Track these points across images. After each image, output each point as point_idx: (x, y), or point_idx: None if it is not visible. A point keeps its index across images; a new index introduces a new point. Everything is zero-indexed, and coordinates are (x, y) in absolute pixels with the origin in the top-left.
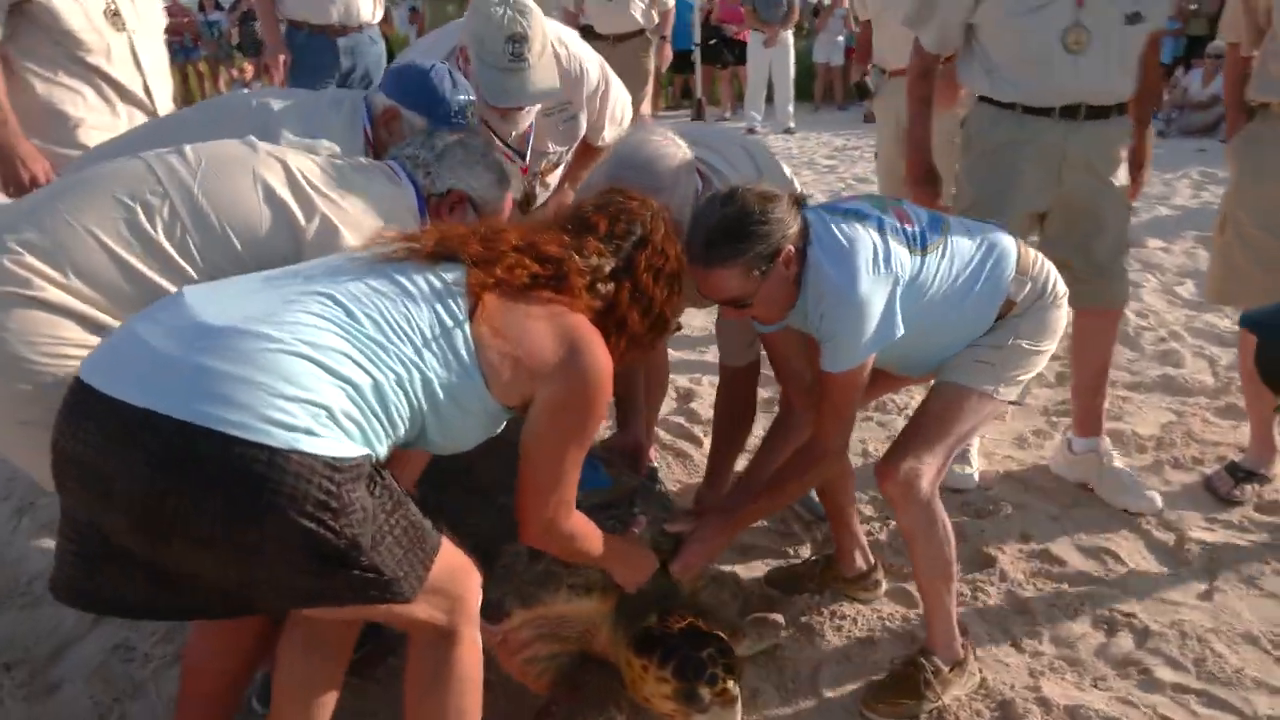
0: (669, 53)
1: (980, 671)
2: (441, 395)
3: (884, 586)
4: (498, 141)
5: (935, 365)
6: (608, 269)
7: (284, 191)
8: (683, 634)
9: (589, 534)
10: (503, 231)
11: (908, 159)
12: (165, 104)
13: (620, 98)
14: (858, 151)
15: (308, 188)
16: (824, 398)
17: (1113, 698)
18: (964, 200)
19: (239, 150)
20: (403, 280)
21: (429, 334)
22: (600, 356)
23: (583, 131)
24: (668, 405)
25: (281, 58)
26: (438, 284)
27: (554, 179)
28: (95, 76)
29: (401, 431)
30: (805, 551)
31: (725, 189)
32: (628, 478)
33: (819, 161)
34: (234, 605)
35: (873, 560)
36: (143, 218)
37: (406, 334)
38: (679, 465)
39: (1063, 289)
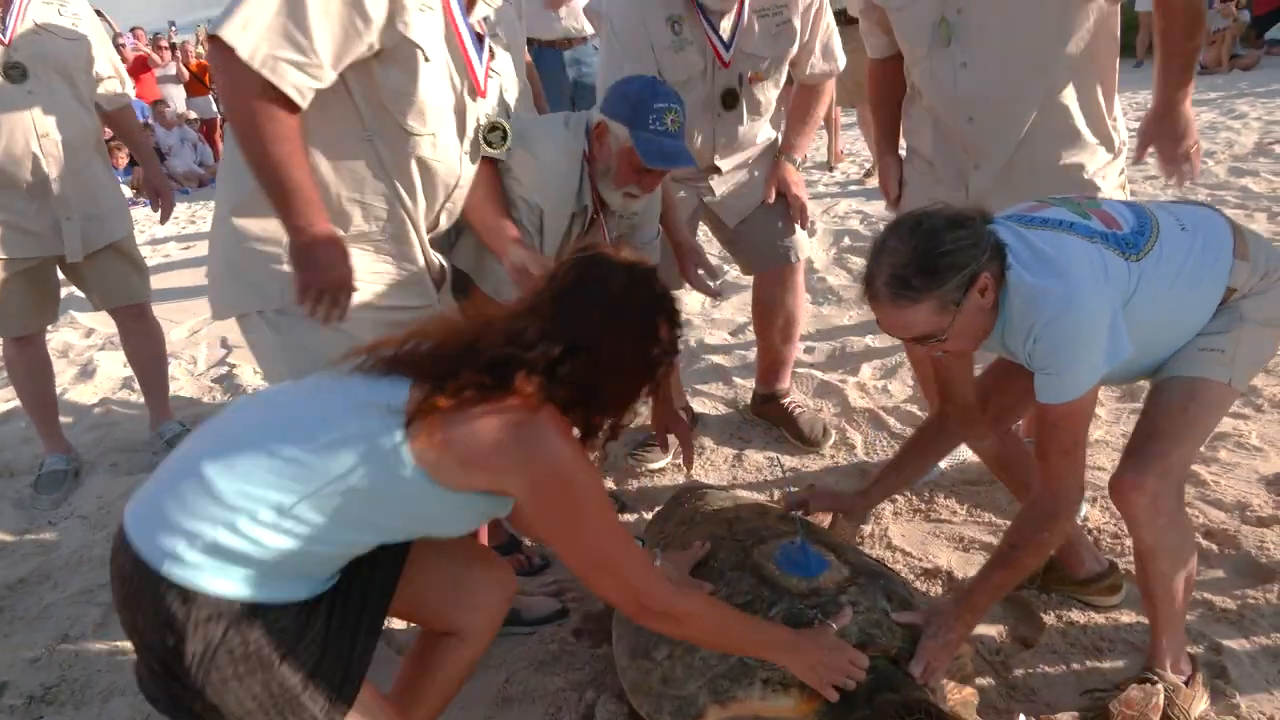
0: None
1: (1236, 695)
2: (392, 513)
3: (1124, 591)
4: (705, 26)
5: (1149, 371)
6: (557, 351)
7: None
8: None
9: (708, 616)
10: (462, 334)
11: None
12: None
13: (833, 27)
14: None
15: None
16: (1049, 438)
17: None
18: None
19: None
20: (350, 397)
21: (361, 454)
22: (550, 441)
23: (794, 45)
24: None
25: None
26: (382, 401)
27: (765, 99)
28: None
29: (325, 566)
30: None
31: (910, 215)
32: (847, 561)
33: None
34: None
35: (1106, 562)
36: None
37: (337, 454)
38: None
39: None
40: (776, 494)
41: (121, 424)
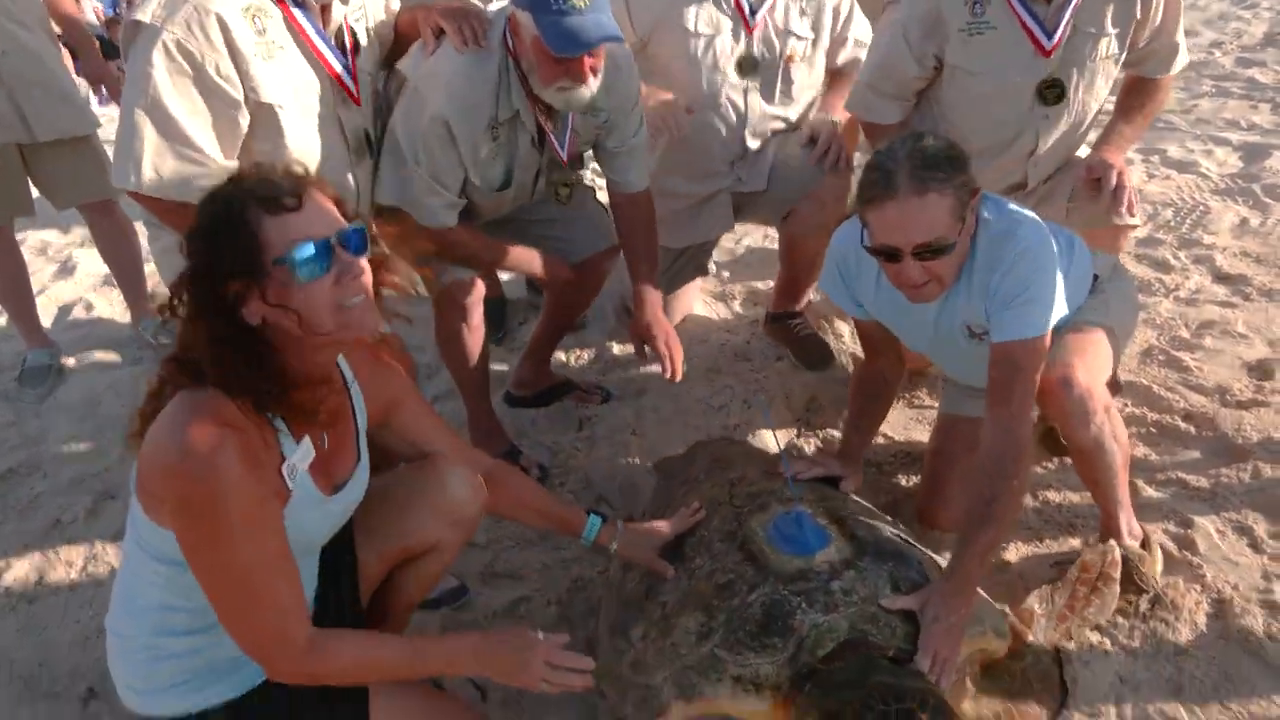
0: None
1: (1204, 567)
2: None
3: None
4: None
5: None
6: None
7: None
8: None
9: (357, 664)
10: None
11: None
12: None
13: (860, 12)
14: None
15: None
16: (1011, 381)
17: None
18: None
19: None
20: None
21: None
22: (166, 435)
23: (827, 25)
24: None
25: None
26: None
27: (804, 80)
28: None
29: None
30: None
31: (908, 133)
32: (854, 537)
33: None
34: None
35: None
36: None
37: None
38: None
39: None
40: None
41: (103, 320)
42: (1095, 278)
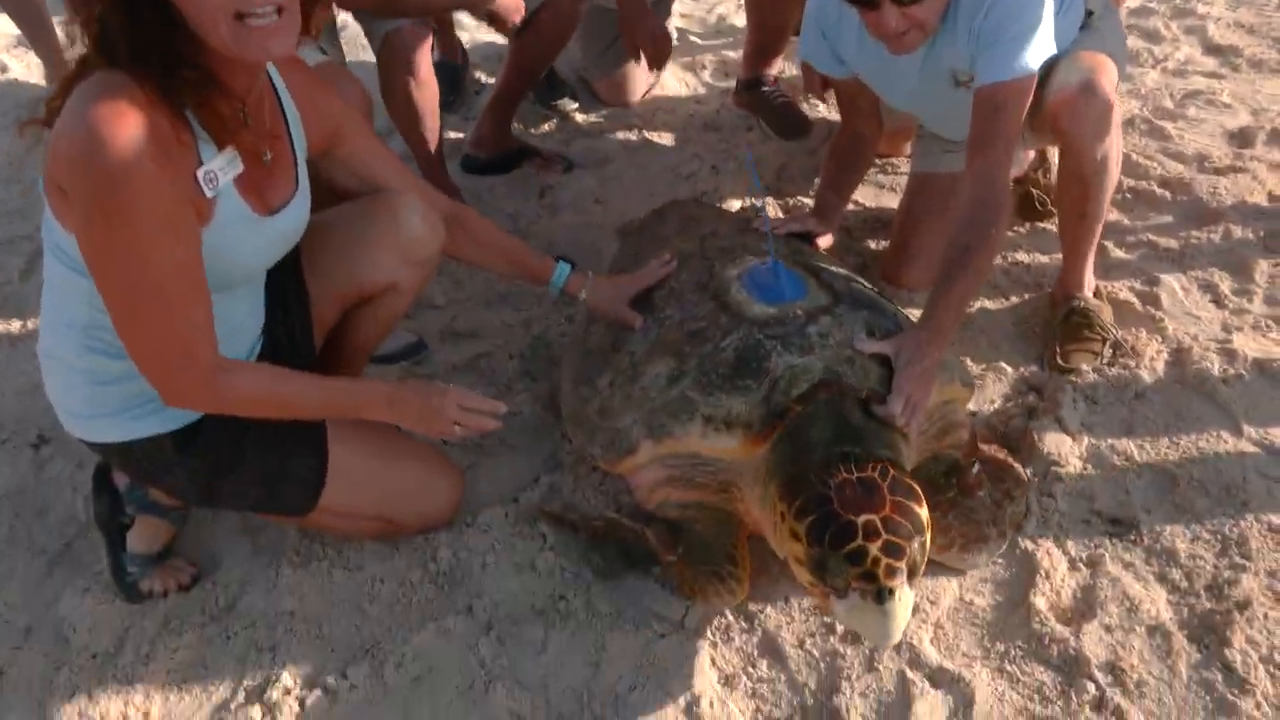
0: None
1: (1165, 320)
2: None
3: None
4: None
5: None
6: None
7: None
8: (856, 484)
9: (260, 391)
10: None
11: None
12: None
13: None
14: None
15: None
16: (993, 124)
17: None
18: None
19: None
20: None
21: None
22: (70, 115)
23: None
24: None
25: None
26: None
27: None
28: None
29: None
30: None
31: None
32: (830, 287)
33: None
34: None
35: None
36: None
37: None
38: None
39: None
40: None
41: (19, 82)
42: (1089, 14)
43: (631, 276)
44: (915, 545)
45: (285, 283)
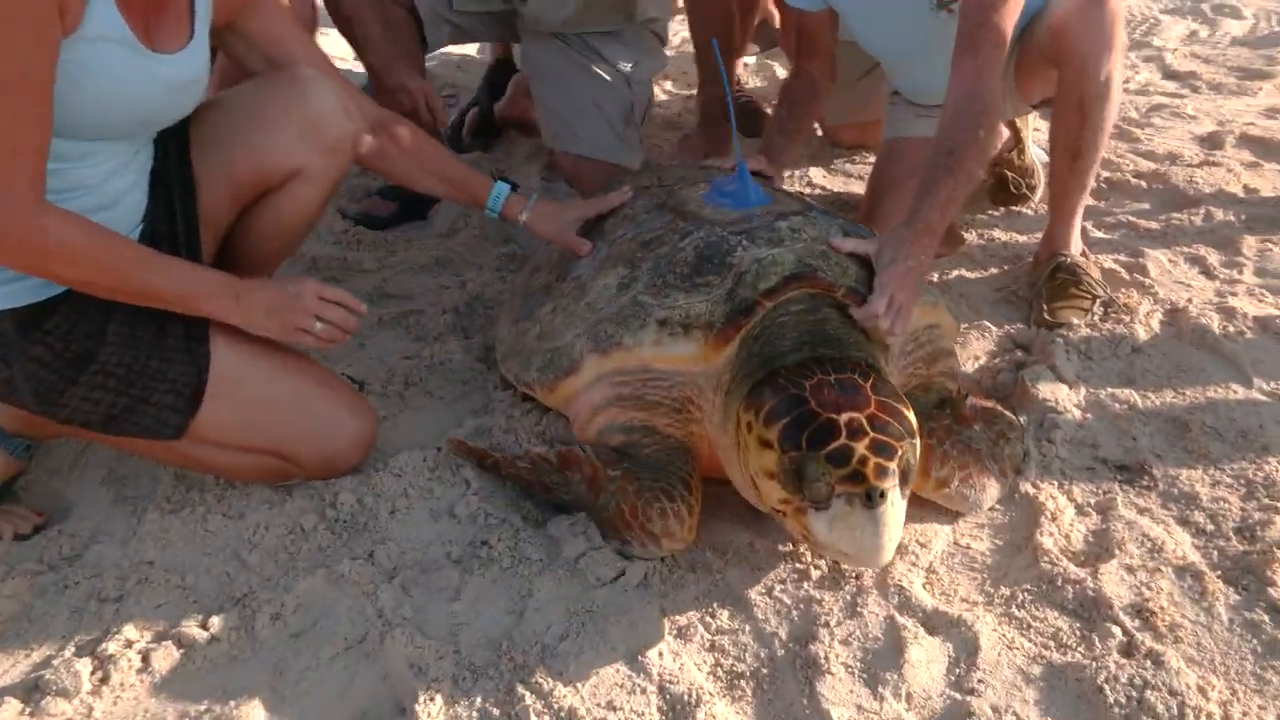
0: None
1: (1155, 286)
2: None
3: None
4: None
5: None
6: None
7: None
8: (834, 385)
9: (87, 246)
10: None
11: None
12: None
13: None
14: None
15: None
16: (982, 26)
17: None
18: None
19: None
20: None
21: None
22: None
23: None
24: None
25: None
26: None
27: None
28: None
29: None
30: None
31: None
32: (798, 201)
33: None
34: None
35: None
36: None
37: None
38: None
39: None
40: None
41: None
42: None
43: (581, 202)
44: (907, 446)
45: (170, 172)
